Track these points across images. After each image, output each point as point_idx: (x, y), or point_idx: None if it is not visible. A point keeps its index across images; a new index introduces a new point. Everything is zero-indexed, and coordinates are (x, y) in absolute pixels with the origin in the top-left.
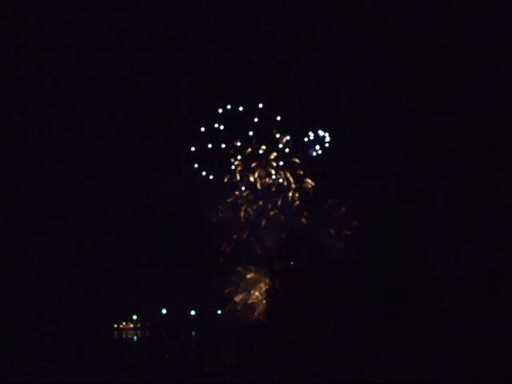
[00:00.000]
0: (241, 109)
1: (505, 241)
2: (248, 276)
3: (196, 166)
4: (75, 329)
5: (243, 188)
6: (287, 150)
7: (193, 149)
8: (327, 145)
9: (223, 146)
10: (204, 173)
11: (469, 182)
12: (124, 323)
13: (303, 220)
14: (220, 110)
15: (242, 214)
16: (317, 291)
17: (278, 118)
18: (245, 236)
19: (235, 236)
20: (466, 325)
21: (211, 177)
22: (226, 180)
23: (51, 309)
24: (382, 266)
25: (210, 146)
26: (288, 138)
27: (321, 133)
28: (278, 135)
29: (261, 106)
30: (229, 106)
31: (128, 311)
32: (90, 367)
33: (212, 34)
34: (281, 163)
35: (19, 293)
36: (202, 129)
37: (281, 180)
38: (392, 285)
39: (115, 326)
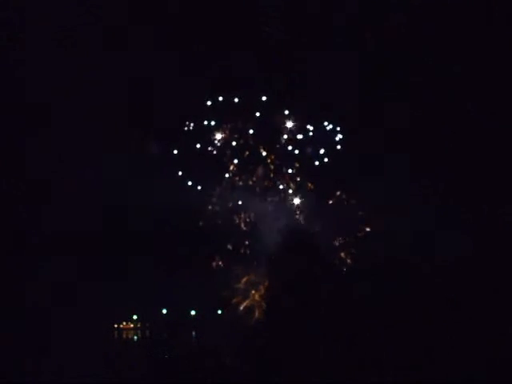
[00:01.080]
0: (236, 100)
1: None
2: (248, 278)
3: (180, 173)
4: (75, 328)
5: (240, 202)
6: (297, 152)
7: (175, 152)
8: (339, 146)
9: (214, 148)
10: (190, 182)
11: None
12: (124, 323)
13: (303, 222)
14: (209, 103)
15: (241, 216)
16: (317, 293)
17: (286, 112)
18: (245, 239)
19: (234, 239)
20: (466, 326)
21: (199, 187)
22: (221, 186)
23: (51, 308)
24: (382, 268)
25: (198, 146)
26: (300, 136)
27: (327, 126)
28: (285, 136)
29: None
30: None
31: (128, 311)
32: (90, 367)
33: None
34: (289, 171)
35: (19, 292)
36: (189, 125)
37: (281, 186)
38: (393, 286)
39: (115, 325)
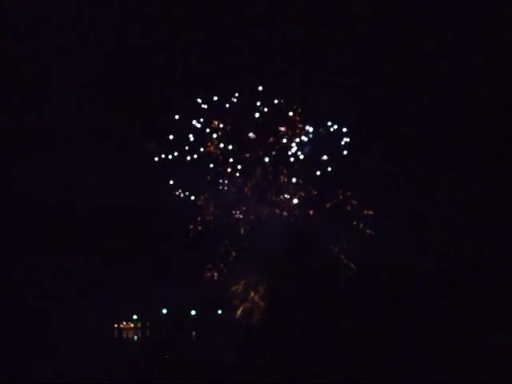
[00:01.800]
0: (235, 100)
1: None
2: (246, 279)
3: (171, 182)
4: (75, 328)
5: (238, 205)
6: (302, 157)
7: (161, 157)
8: (345, 151)
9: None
10: (182, 194)
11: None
12: (124, 323)
13: (302, 224)
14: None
15: (241, 218)
16: (316, 294)
17: (291, 114)
18: (244, 241)
19: (234, 241)
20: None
21: (192, 197)
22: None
23: (51, 308)
24: (384, 271)
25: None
26: (304, 138)
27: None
28: (285, 140)
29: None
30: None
31: (128, 311)
32: (90, 367)
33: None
34: (293, 180)
35: (19, 293)
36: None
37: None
38: (395, 289)
39: (115, 325)
